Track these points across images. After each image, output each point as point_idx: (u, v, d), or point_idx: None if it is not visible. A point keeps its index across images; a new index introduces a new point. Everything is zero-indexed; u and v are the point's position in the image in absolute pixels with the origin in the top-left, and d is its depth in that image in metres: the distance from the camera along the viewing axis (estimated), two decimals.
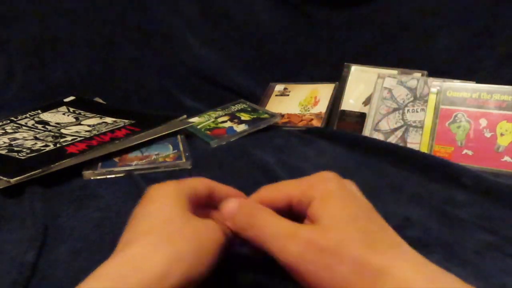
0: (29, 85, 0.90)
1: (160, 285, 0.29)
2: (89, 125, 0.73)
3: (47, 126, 0.73)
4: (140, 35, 0.96)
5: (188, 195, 0.36)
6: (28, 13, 0.92)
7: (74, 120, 0.76)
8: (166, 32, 0.96)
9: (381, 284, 0.28)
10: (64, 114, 0.78)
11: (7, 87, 0.90)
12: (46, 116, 0.77)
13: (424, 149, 0.69)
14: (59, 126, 0.73)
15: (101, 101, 0.87)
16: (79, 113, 0.78)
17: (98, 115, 0.77)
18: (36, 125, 0.73)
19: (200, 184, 0.37)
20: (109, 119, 0.75)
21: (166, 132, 0.70)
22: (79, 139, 0.66)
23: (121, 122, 0.73)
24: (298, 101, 0.88)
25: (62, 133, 0.69)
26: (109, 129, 0.70)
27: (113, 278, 0.29)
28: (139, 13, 0.96)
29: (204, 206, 0.38)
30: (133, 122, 0.73)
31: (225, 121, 0.79)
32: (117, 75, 0.94)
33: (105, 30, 0.94)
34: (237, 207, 0.36)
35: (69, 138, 0.67)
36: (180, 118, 0.76)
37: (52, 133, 0.69)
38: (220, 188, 0.39)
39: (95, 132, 0.69)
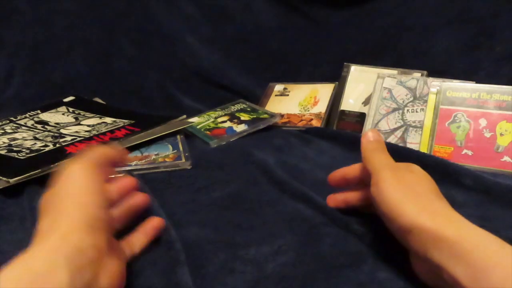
0: (29, 85, 0.90)
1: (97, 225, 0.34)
2: (88, 125, 0.73)
3: (46, 126, 0.73)
4: (140, 35, 0.96)
5: (95, 165, 0.38)
6: (28, 13, 0.92)
7: (73, 120, 0.76)
8: (166, 32, 0.96)
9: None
10: (63, 114, 0.78)
11: (7, 87, 0.90)
12: (45, 116, 0.77)
13: (424, 149, 0.69)
14: (58, 126, 0.73)
15: (100, 101, 0.87)
16: (79, 113, 0.78)
17: (98, 115, 0.77)
18: (35, 125, 0.73)
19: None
20: (108, 119, 0.75)
21: (166, 132, 0.70)
22: (78, 139, 0.66)
23: (121, 122, 0.73)
24: (297, 101, 0.88)
25: (61, 133, 0.69)
26: (108, 129, 0.70)
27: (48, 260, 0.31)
28: (139, 13, 0.96)
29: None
30: (132, 122, 0.73)
31: (225, 121, 0.79)
32: (117, 75, 0.94)
33: (105, 30, 0.94)
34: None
35: (68, 138, 0.67)
36: (180, 118, 0.76)
37: (52, 133, 0.69)
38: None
39: (94, 132, 0.69)
